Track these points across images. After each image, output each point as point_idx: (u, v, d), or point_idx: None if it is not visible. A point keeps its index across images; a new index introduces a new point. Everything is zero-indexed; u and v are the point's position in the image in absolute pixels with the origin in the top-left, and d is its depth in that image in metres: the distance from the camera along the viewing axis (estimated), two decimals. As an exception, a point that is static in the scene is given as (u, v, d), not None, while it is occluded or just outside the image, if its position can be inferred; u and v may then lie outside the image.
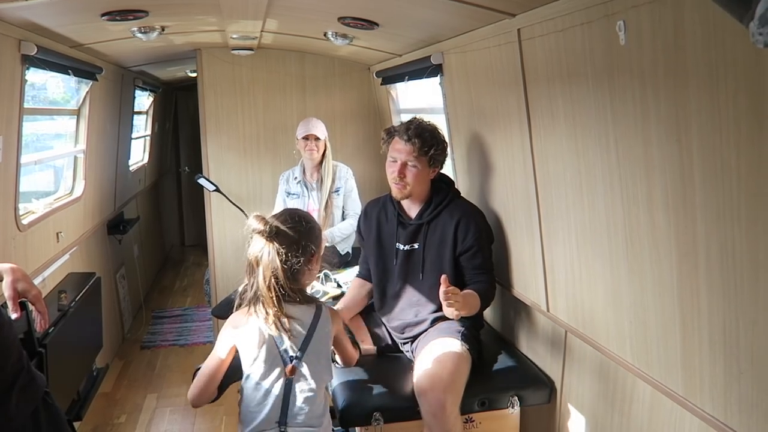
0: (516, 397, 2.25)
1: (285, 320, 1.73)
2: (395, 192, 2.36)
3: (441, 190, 2.41)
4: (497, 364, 2.41)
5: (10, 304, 1.65)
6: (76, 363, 2.92)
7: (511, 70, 2.22)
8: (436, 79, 3.03)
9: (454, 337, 2.24)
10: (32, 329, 2.16)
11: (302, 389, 1.75)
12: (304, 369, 1.75)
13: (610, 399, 1.95)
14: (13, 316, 1.64)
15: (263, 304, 1.72)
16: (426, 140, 2.30)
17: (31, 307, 1.70)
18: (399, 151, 2.33)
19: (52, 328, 2.46)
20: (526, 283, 2.44)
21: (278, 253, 1.70)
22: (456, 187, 2.52)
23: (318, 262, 1.81)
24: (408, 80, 3.37)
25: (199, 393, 1.84)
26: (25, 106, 2.60)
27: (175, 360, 4.23)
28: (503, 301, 2.72)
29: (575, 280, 2.06)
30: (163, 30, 2.94)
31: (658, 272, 1.59)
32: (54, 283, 3.00)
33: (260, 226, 1.71)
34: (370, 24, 2.68)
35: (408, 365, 2.31)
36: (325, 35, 3.16)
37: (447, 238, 2.31)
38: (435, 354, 2.15)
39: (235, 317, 1.81)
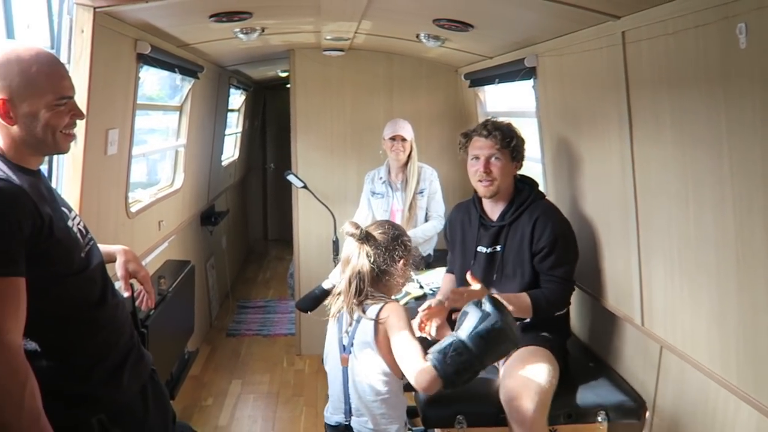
0: (604, 412, 2.17)
1: (354, 314, 1.86)
2: (482, 191, 2.34)
3: (523, 190, 2.37)
4: (584, 376, 2.34)
5: (122, 283, 1.78)
6: (171, 345, 3.09)
7: (612, 74, 2.14)
8: (528, 83, 2.98)
9: (542, 346, 2.19)
10: (136, 310, 2.31)
11: (354, 380, 1.86)
12: (356, 361, 1.85)
13: (710, 422, 1.84)
14: (125, 294, 1.77)
15: (344, 297, 1.88)
16: (506, 133, 2.31)
17: (137, 287, 1.83)
18: (480, 147, 2.32)
19: (153, 310, 2.62)
20: (618, 295, 2.35)
21: (367, 255, 1.85)
22: (540, 189, 2.46)
23: (406, 268, 1.92)
24: (498, 83, 3.32)
25: None
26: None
27: (258, 349, 4.40)
28: (593, 312, 2.63)
29: (675, 295, 1.96)
30: (263, 31, 3.06)
31: (773, 291, 1.49)
32: (154, 269, 3.19)
33: (353, 230, 1.87)
34: (464, 26, 2.68)
35: (493, 370, 2.28)
36: (417, 37, 3.18)
37: (525, 239, 2.27)
38: (524, 362, 2.11)
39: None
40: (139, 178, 4.23)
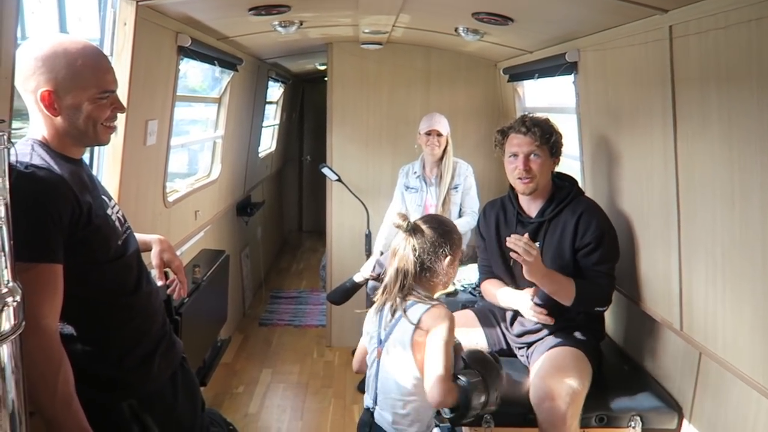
0: (638, 418, 2.11)
1: (395, 307, 1.82)
2: (522, 188, 2.29)
3: (563, 187, 2.32)
4: (619, 379, 2.28)
5: (156, 272, 1.81)
6: (205, 332, 3.14)
7: (657, 70, 2.07)
8: (568, 78, 2.91)
9: (575, 346, 2.15)
10: (171, 298, 2.36)
11: (385, 375, 1.84)
12: (387, 357, 1.82)
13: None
14: (159, 283, 1.80)
15: (389, 288, 1.84)
16: (545, 129, 2.26)
17: (172, 276, 1.85)
18: (519, 144, 2.27)
19: (187, 298, 2.67)
20: (657, 298, 2.28)
21: (413, 248, 1.81)
22: (580, 186, 2.40)
23: (454, 266, 1.87)
24: (538, 78, 3.26)
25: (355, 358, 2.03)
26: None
27: (289, 339, 4.44)
28: (628, 314, 2.56)
29: (717, 299, 1.89)
30: (301, 24, 3.07)
31: (823, 299, 1.42)
32: (189, 258, 3.25)
33: (402, 222, 1.84)
34: (504, 20, 2.63)
35: (523, 370, 2.25)
36: (455, 30, 3.14)
37: (567, 234, 2.22)
38: (556, 362, 2.07)
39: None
40: (180, 168, 4.30)
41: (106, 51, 2.19)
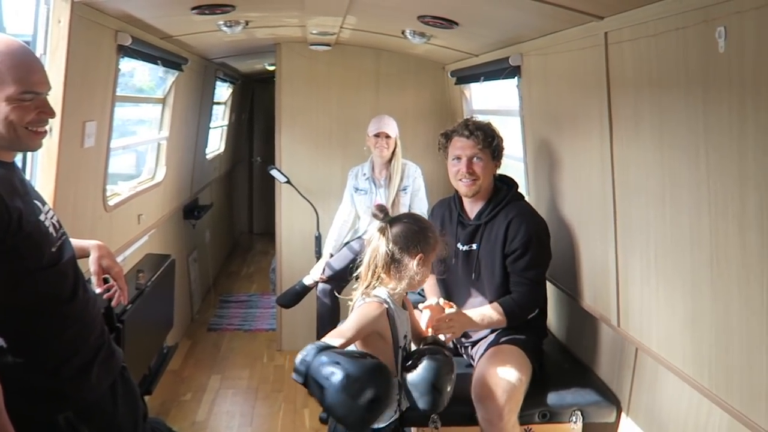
0: (579, 412, 2.18)
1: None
2: (464, 190, 2.34)
3: (501, 190, 2.38)
4: (560, 376, 2.35)
5: (94, 279, 1.75)
6: (149, 340, 3.06)
7: (594, 75, 2.14)
8: (513, 81, 2.98)
9: (515, 345, 2.20)
10: (111, 305, 2.28)
11: None
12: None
13: (682, 424, 1.85)
14: (97, 290, 1.74)
15: (362, 279, 1.91)
16: (487, 132, 2.32)
17: (112, 282, 1.79)
18: (462, 148, 2.32)
19: (130, 305, 2.59)
20: (596, 295, 2.36)
21: (387, 239, 1.85)
22: (520, 189, 2.46)
23: (424, 266, 1.89)
24: (484, 81, 3.32)
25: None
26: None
27: (239, 344, 4.37)
28: (570, 312, 2.64)
29: (651, 296, 1.97)
30: (247, 24, 3.03)
31: (746, 294, 1.50)
32: (133, 263, 3.16)
33: (379, 213, 1.89)
34: (449, 23, 2.66)
35: (468, 369, 2.28)
36: (402, 33, 3.16)
37: (498, 239, 2.28)
38: (495, 361, 2.12)
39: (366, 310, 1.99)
40: (129, 170, 4.18)
41: (40, 49, 2.10)
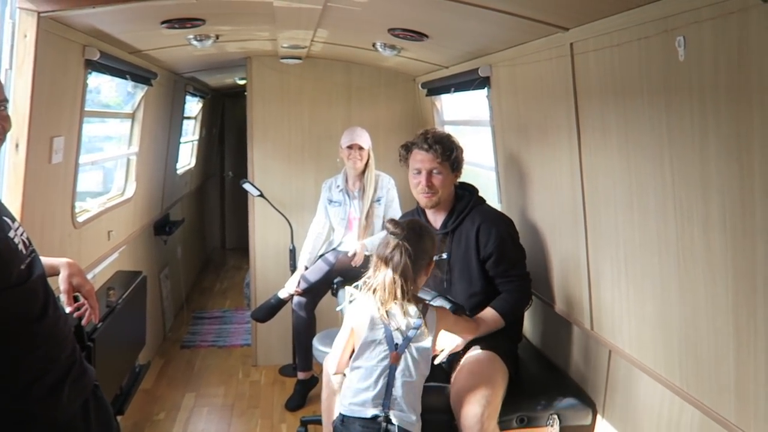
0: (556, 416, 2.21)
1: (398, 312, 1.93)
2: (424, 202, 2.39)
3: (463, 197, 2.42)
4: (537, 381, 2.38)
5: (64, 297, 1.71)
6: (121, 358, 3.00)
7: (561, 85, 2.20)
8: (483, 92, 3.03)
9: (491, 351, 2.22)
10: (82, 323, 2.23)
11: (404, 377, 1.91)
12: (407, 358, 1.92)
13: (656, 422, 1.89)
14: (67, 309, 1.70)
15: (382, 294, 1.93)
16: (446, 146, 2.36)
17: (83, 300, 1.76)
18: (421, 161, 2.36)
19: (101, 323, 2.54)
20: (569, 300, 2.40)
21: (409, 255, 1.92)
22: (492, 198, 2.51)
23: (430, 271, 2.01)
24: (454, 92, 3.37)
25: (337, 362, 2.10)
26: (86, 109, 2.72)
27: (213, 361, 4.30)
28: (544, 317, 2.68)
29: (622, 299, 2.02)
30: (217, 38, 3.03)
31: (712, 294, 1.55)
32: (103, 280, 3.09)
33: (396, 230, 1.94)
34: (419, 36, 2.70)
35: (444, 377, 2.29)
36: (373, 46, 3.20)
37: (470, 246, 2.33)
38: (472, 367, 2.13)
39: (356, 304, 2.08)
40: (96, 187, 4.10)
41: (6, 64, 2.06)
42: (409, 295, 1.94)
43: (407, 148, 2.43)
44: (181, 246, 5.42)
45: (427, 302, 2.02)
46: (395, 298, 1.92)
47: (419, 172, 2.37)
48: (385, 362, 1.91)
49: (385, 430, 1.88)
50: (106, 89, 4.69)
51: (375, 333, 1.94)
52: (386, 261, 1.94)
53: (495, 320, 2.24)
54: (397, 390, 1.90)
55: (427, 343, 1.94)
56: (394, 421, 1.87)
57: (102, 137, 4.57)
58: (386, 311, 1.93)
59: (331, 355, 2.15)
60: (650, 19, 1.63)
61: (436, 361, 2.09)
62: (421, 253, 1.96)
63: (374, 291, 1.95)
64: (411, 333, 1.92)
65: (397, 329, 1.92)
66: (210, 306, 5.56)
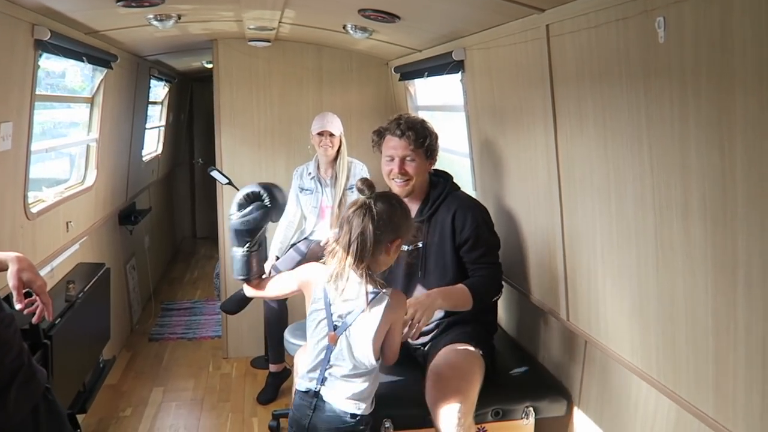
0: (531, 408, 2.17)
1: (346, 284, 1.78)
2: (398, 189, 2.30)
3: (438, 184, 2.35)
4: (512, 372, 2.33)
5: (14, 294, 1.60)
6: (83, 355, 2.88)
7: (537, 68, 2.13)
8: (457, 76, 2.95)
9: (467, 343, 2.16)
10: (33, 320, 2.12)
11: (338, 362, 1.80)
12: (344, 342, 1.79)
13: (632, 414, 1.86)
14: (18, 306, 1.59)
15: (336, 265, 1.79)
16: (419, 132, 2.28)
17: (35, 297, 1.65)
18: (394, 147, 2.28)
19: (59, 319, 2.42)
20: (544, 290, 2.35)
21: (373, 218, 1.75)
22: (467, 185, 2.44)
23: (395, 253, 1.84)
24: (428, 76, 3.28)
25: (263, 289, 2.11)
26: (40, 93, 2.56)
27: (182, 353, 4.19)
28: (520, 307, 2.63)
29: (598, 289, 1.97)
30: (179, 18, 2.88)
31: (691, 285, 1.50)
32: (63, 273, 2.96)
33: (365, 189, 1.79)
34: (391, 17, 2.61)
35: (420, 371, 2.23)
36: (344, 28, 3.09)
37: (446, 233, 2.26)
38: (448, 361, 2.07)
39: (315, 265, 1.94)
40: (64, 175, 3.92)
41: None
42: (363, 269, 1.76)
43: (380, 134, 2.35)
44: (148, 236, 5.26)
45: (382, 283, 1.81)
46: (345, 268, 1.76)
47: (392, 159, 2.29)
48: (324, 341, 1.81)
49: (314, 406, 1.82)
50: (71, 74, 4.49)
51: (317, 305, 1.83)
52: (348, 221, 1.78)
53: (464, 294, 2.15)
54: (333, 370, 1.81)
55: (369, 330, 1.77)
56: (324, 397, 1.81)
57: (67, 124, 4.37)
58: (335, 285, 1.79)
59: (302, 348, 2.05)
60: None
61: (404, 337, 1.99)
62: (389, 224, 1.77)
63: (335, 254, 1.81)
64: (349, 318, 1.78)
65: (338, 313, 1.79)
66: (179, 297, 5.42)
